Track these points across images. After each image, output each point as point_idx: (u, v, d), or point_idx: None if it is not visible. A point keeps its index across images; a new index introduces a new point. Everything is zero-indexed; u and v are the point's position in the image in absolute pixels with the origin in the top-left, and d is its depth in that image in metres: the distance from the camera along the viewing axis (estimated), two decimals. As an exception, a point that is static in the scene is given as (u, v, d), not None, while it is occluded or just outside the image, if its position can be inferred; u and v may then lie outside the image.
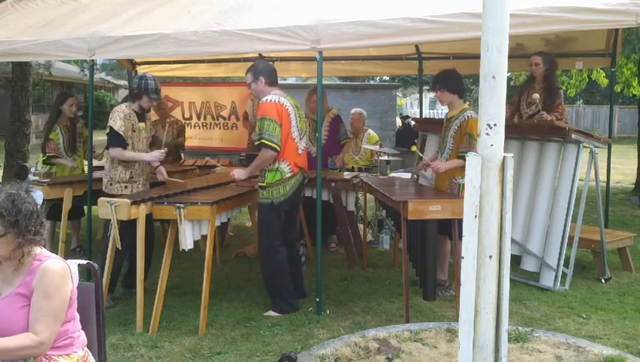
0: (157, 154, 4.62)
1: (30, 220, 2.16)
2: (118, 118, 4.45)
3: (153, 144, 6.60)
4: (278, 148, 4.11)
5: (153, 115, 8.45)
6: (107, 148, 4.51)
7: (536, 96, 5.22)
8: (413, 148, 4.95)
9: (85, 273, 2.42)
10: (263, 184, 4.21)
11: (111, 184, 4.55)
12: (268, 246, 4.26)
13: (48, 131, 5.79)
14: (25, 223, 2.13)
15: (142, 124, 4.66)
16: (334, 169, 6.20)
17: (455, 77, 4.61)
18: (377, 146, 6.84)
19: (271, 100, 4.15)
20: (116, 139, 4.44)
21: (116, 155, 4.49)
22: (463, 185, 4.45)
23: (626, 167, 12.80)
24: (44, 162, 5.81)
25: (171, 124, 6.66)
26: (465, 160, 4.73)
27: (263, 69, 4.31)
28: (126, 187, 4.55)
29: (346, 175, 5.66)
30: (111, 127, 4.43)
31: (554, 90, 5.39)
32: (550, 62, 5.45)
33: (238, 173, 4.48)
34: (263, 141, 4.10)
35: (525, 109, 5.50)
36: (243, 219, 7.52)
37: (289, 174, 4.21)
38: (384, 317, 4.20)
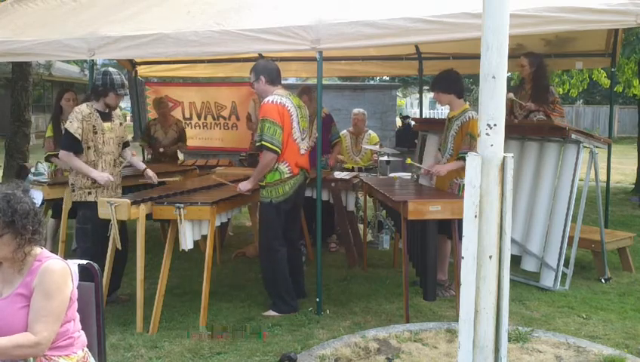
0: (105, 177, 4.17)
1: (27, 219, 2.15)
2: (75, 120, 4.13)
3: (151, 144, 6.63)
4: (278, 150, 4.11)
5: (152, 115, 8.50)
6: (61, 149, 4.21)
7: (510, 95, 5.23)
8: (408, 160, 4.98)
9: (85, 273, 2.41)
10: (262, 183, 4.23)
11: (73, 190, 4.25)
12: (267, 246, 4.27)
13: (51, 129, 5.63)
14: (22, 223, 2.13)
15: (107, 124, 4.28)
16: (325, 168, 6.18)
17: (449, 77, 4.57)
18: (377, 146, 6.84)
19: (272, 101, 4.15)
20: (69, 142, 4.13)
21: (63, 158, 4.19)
22: (464, 185, 4.48)
23: (626, 167, 12.79)
24: (46, 160, 5.76)
25: (171, 125, 6.67)
26: (465, 161, 4.71)
27: (264, 68, 4.29)
28: (89, 193, 4.19)
29: (346, 175, 5.66)
30: (66, 130, 4.15)
31: (544, 89, 5.37)
32: (538, 64, 5.42)
33: (243, 185, 4.30)
34: (263, 143, 4.10)
35: (519, 111, 5.48)
36: (243, 219, 7.52)
37: (288, 175, 4.21)
38: (384, 317, 4.20)
